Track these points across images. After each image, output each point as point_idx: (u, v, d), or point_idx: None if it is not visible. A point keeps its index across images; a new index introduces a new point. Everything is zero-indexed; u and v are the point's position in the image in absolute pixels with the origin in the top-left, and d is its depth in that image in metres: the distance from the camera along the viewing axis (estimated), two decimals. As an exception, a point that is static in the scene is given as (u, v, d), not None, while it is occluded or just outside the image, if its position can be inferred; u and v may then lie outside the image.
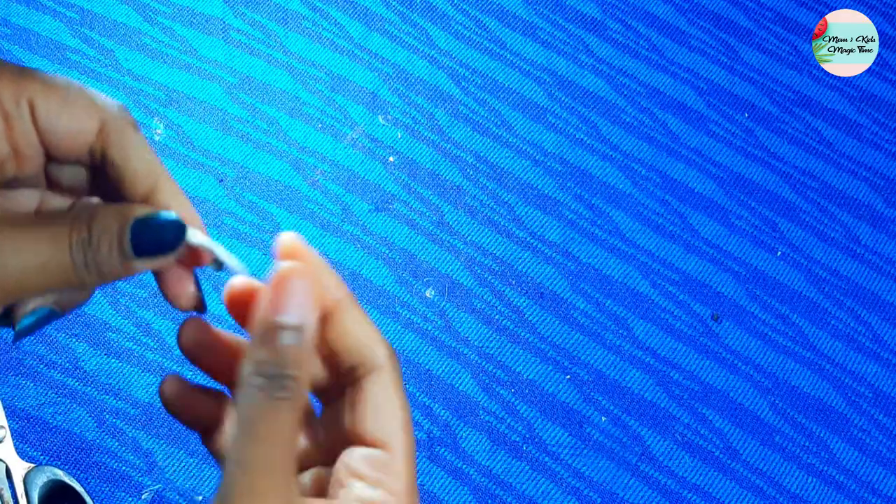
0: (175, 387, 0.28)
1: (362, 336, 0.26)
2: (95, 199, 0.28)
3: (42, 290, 0.24)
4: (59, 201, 0.28)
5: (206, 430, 0.29)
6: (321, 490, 0.27)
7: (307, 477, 0.28)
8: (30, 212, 0.27)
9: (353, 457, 0.26)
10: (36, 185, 0.27)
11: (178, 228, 0.25)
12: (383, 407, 0.26)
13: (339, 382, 0.28)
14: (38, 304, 0.25)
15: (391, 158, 0.83)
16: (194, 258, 0.27)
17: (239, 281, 0.27)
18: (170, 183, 0.26)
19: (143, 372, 0.73)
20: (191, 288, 0.28)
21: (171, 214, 0.25)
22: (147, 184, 0.26)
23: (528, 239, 0.81)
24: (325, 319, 0.26)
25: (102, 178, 0.27)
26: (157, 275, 0.28)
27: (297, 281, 0.24)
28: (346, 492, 0.25)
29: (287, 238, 0.25)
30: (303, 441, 0.29)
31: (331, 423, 0.28)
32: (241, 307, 0.27)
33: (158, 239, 0.24)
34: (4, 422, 0.67)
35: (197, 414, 0.29)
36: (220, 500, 0.23)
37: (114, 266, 0.24)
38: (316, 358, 0.27)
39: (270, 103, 0.84)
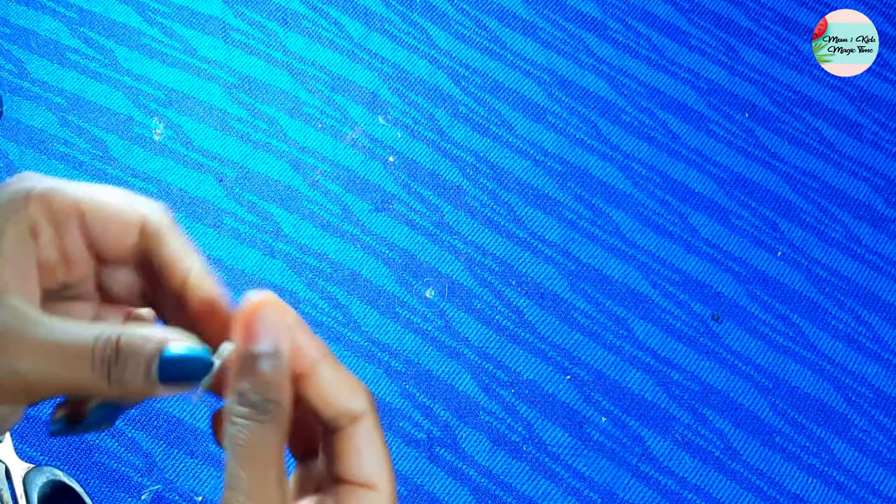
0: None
1: (345, 392, 0.28)
2: (146, 311, 0.30)
3: (62, 395, 0.26)
4: (113, 315, 0.30)
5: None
6: None
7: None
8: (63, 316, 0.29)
9: (344, 495, 0.28)
10: (88, 298, 0.29)
11: (205, 365, 0.26)
12: (368, 452, 0.28)
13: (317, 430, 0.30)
14: (101, 399, 0.27)
15: (391, 158, 0.83)
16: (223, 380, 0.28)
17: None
18: (202, 271, 0.28)
19: (142, 372, 0.73)
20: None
21: (201, 351, 0.26)
22: (182, 271, 0.28)
23: (528, 239, 0.81)
24: (301, 379, 0.27)
25: (151, 281, 0.29)
26: None
27: (265, 311, 0.26)
28: None
29: (258, 299, 0.26)
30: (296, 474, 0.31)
31: (315, 464, 0.31)
32: None
33: (186, 371, 0.26)
34: (4, 422, 0.67)
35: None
36: None
37: (138, 387, 0.25)
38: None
39: (270, 103, 0.83)
